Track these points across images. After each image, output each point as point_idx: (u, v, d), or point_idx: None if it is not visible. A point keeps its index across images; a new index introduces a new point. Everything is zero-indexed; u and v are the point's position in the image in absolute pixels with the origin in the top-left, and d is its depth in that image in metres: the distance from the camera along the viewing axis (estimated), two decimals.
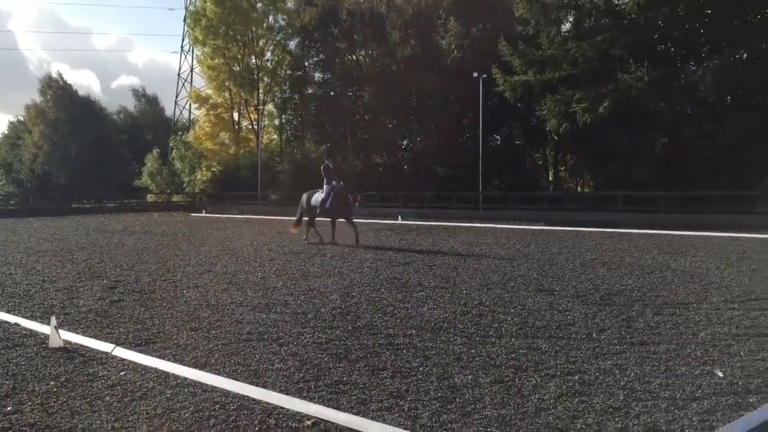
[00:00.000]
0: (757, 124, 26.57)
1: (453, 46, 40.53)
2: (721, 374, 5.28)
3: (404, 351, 6.15)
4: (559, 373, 5.40)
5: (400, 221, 30.68)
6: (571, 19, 34.60)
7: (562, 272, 11.54)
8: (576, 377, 5.28)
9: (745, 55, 28.23)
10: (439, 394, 4.87)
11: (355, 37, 49.45)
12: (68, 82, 68.00)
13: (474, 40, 41.02)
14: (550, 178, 45.22)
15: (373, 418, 4.41)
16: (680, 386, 5.01)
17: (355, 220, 18.01)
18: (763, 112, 27.39)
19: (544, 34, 32.56)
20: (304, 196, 18.10)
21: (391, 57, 45.91)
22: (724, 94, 28.10)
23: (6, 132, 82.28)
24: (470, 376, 5.30)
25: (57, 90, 66.23)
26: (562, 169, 47.13)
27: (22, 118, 76.37)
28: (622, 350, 6.10)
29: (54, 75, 68.20)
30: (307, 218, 18.04)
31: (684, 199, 27.72)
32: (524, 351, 6.09)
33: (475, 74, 35.50)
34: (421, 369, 5.56)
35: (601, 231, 22.56)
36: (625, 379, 5.23)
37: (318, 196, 17.54)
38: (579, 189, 46.23)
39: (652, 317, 7.59)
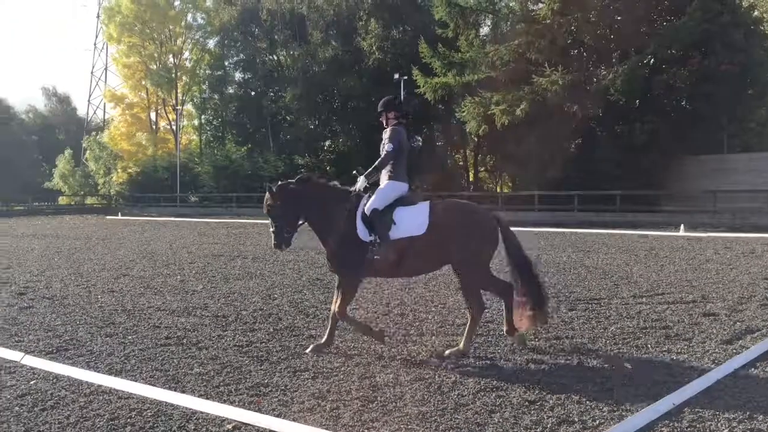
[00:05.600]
0: (661, 127, 27.91)
1: (374, 47, 40.73)
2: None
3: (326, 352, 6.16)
4: (477, 370, 5.55)
5: None
6: (489, 23, 35.38)
7: None
8: (494, 373, 5.43)
9: (652, 60, 29.59)
10: (361, 393, 4.91)
11: (276, 37, 49.04)
12: None
13: (395, 42, 41.36)
14: (471, 179, 46.03)
15: (294, 420, 4.40)
16: (591, 378, 5.23)
17: None
18: (667, 115, 28.83)
19: (463, 37, 33.13)
20: None
21: (313, 58, 45.73)
22: (632, 97, 29.35)
23: None
24: (392, 376, 5.36)
25: None
26: (482, 169, 48.06)
27: None
28: (536, 346, 6.29)
29: None
30: None
31: (595, 198, 28.84)
32: (444, 347, 6.19)
33: (396, 76, 35.79)
34: (342, 369, 5.58)
35: (517, 230, 23.12)
36: (541, 372, 5.41)
37: None
38: (498, 189, 47.22)
39: (566, 312, 7.87)
